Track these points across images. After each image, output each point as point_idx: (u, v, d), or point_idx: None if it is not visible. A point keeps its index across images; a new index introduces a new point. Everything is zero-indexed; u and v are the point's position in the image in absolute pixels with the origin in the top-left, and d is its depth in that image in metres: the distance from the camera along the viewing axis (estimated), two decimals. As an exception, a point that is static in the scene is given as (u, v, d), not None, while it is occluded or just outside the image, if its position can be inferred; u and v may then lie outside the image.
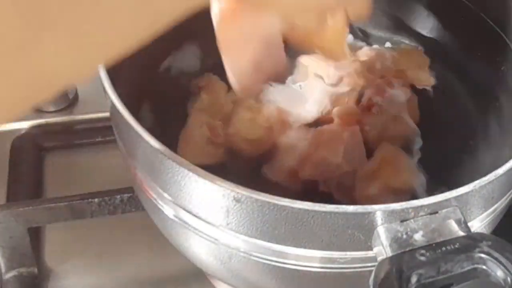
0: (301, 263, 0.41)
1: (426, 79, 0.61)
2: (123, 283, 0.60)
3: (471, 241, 0.37)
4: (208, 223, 0.42)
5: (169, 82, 0.57)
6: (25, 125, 0.72)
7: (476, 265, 0.36)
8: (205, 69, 0.58)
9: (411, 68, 0.60)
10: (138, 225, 0.62)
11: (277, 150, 0.53)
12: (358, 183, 0.53)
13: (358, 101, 0.56)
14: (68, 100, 0.73)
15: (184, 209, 0.43)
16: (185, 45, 0.59)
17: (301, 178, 0.52)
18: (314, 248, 0.40)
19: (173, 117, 0.56)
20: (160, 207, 0.45)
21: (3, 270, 0.60)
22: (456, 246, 0.37)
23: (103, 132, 0.71)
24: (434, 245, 0.37)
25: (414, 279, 0.35)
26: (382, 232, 0.37)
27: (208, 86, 0.57)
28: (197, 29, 0.59)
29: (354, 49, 0.60)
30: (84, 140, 0.72)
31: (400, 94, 0.55)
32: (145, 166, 0.44)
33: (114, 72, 0.43)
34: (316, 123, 0.55)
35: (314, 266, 0.41)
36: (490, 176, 0.39)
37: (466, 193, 0.38)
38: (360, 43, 0.62)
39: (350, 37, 0.62)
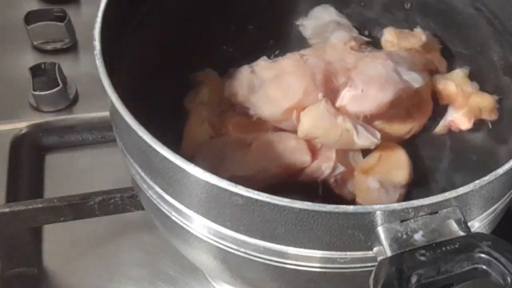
0: (301, 263, 0.41)
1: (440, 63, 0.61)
2: (123, 283, 0.60)
3: (471, 241, 0.37)
4: (208, 223, 0.42)
5: (169, 81, 0.57)
6: (25, 125, 0.72)
7: (476, 265, 0.36)
8: (203, 64, 0.58)
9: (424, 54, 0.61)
10: (138, 225, 0.62)
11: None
12: (356, 177, 0.53)
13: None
14: (68, 100, 0.73)
15: (184, 209, 0.43)
16: (184, 41, 0.59)
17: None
18: (314, 248, 0.40)
19: (174, 116, 0.56)
20: (160, 207, 0.45)
21: (3, 270, 0.60)
22: (456, 246, 0.37)
23: (103, 132, 0.71)
24: (434, 245, 0.37)
25: (414, 279, 0.35)
26: (382, 232, 0.37)
27: (207, 81, 0.57)
28: (195, 25, 0.60)
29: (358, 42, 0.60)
30: (84, 140, 0.72)
31: (417, 77, 0.55)
32: (145, 166, 0.43)
33: (114, 72, 0.43)
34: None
35: (314, 266, 0.41)
36: (490, 176, 0.39)
37: (466, 193, 0.38)
38: (364, 38, 0.62)
39: (355, 31, 0.62)
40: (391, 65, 0.53)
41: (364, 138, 0.51)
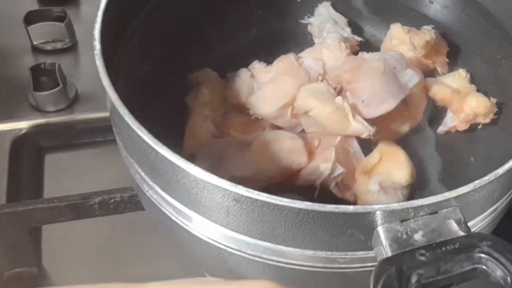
0: (301, 263, 0.41)
1: (443, 65, 0.61)
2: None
3: (471, 241, 0.37)
4: (208, 223, 0.42)
5: (169, 81, 0.57)
6: (25, 125, 0.72)
7: (476, 265, 0.36)
8: (203, 64, 0.58)
9: (431, 54, 0.60)
10: (138, 225, 0.62)
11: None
12: (358, 179, 0.53)
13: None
14: (68, 100, 0.73)
15: (184, 209, 0.43)
16: (184, 41, 0.59)
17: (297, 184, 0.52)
18: (314, 248, 0.40)
19: (174, 116, 0.56)
20: (160, 207, 0.45)
21: (3, 270, 0.60)
22: (456, 246, 0.37)
23: (103, 132, 0.71)
24: (434, 245, 0.37)
25: (414, 279, 0.35)
26: (382, 232, 0.37)
27: (207, 81, 0.57)
28: (195, 25, 0.60)
29: (352, 42, 0.60)
30: (84, 140, 0.72)
31: (413, 75, 0.55)
32: (145, 166, 0.43)
33: (114, 72, 0.43)
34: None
35: (314, 266, 0.41)
36: (490, 176, 0.39)
37: (466, 193, 0.38)
38: (357, 38, 0.62)
39: (348, 30, 0.62)
40: (390, 74, 0.53)
41: (360, 123, 0.51)
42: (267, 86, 0.54)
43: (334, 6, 0.64)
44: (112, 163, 0.67)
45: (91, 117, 0.73)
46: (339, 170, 0.52)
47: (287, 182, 0.52)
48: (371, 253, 0.39)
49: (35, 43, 0.79)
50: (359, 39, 0.62)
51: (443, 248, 0.36)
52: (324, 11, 0.64)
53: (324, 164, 0.51)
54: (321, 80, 0.54)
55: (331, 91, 0.52)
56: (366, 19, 0.65)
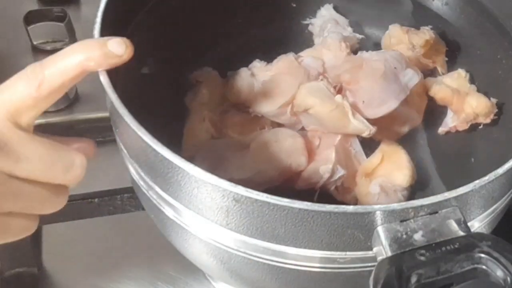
0: (301, 263, 0.41)
1: (442, 65, 0.61)
2: (123, 283, 0.60)
3: (471, 241, 0.37)
4: (208, 223, 0.42)
5: (169, 81, 0.57)
6: (25, 125, 0.71)
7: (476, 265, 0.36)
8: (203, 64, 0.58)
9: (430, 53, 0.60)
10: (138, 225, 0.62)
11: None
12: (358, 182, 0.53)
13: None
14: (68, 100, 0.73)
15: (184, 209, 0.43)
16: (184, 41, 0.59)
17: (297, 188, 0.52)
18: (314, 248, 0.40)
19: (174, 116, 0.56)
20: (160, 207, 0.45)
21: (3, 270, 0.60)
22: (456, 246, 0.37)
23: (103, 132, 0.71)
24: (434, 245, 0.37)
25: (414, 279, 0.35)
26: (382, 232, 0.37)
27: (207, 80, 0.57)
28: (195, 25, 0.60)
29: (352, 41, 0.61)
30: (84, 140, 0.72)
31: (413, 75, 0.54)
32: (145, 166, 0.43)
33: (114, 72, 0.43)
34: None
35: (314, 266, 0.41)
36: (490, 176, 0.39)
37: (466, 193, 0.38)
38: (358, 35, 0.62)
39: (349, 30, 0.62)
40: (391, 74, 0.53)
41: (360, 121, 0.51)
42: (267, 84, 0.54)
43: (335, 8, 0.64)
44: (112, 163, 0.66)
45: (91, 117, 0.73)
46: (340, 172, 0.51)
47: (286, 186, 0.52)
48: (371, 253, 0.39)
49: (35, 43, 0.79)
50: (360, 36, 0.62)
51: (443, 248, 0.36)
52: (327, 13, 0.64)
53: (324, 166, 0.51)
54: (321, 79, 0.54)
55: (330, 89, 0.52)
56: (367, 20, 0.65)
